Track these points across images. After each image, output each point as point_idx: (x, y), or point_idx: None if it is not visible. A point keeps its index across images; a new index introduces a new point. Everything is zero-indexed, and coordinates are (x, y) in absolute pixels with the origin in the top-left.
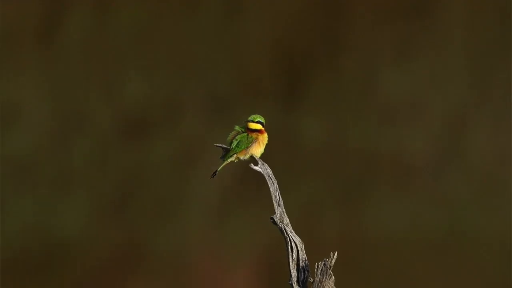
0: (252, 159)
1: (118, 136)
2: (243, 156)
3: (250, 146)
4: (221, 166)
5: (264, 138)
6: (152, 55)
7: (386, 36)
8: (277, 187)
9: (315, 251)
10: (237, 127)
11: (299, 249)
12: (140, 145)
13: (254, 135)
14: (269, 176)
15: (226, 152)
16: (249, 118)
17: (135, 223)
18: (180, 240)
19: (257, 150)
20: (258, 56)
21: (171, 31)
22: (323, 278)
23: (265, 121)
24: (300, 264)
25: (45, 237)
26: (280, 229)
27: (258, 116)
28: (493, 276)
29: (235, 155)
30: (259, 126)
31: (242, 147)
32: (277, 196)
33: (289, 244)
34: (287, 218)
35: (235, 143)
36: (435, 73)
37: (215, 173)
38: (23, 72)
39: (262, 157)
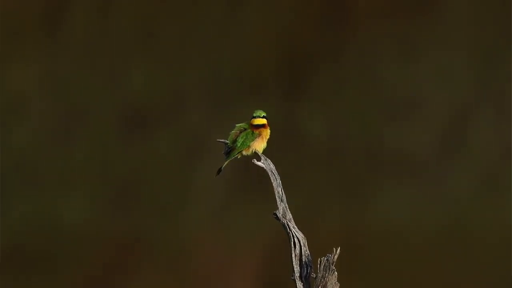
0: (255, 155)
1: (121, 129)
2: (247, 152)
3: (254, 141)
4: (225, 164)
5: (267, 133)
6: (155, 49)
7: (389, 30)
8: (280, 182)
9: (318, 246)
10: (238, 125)
11: (302, 244)
12: (143, 138)
13: (258, 131)
14: (272, 171)
15: (229, 148)
16: (254, 114)
17: (138, 217)
18: (183, 234)
19: (260, 145)
20: (260, 49)
21: (174, 24)
22: (326, 273)
23: (267, 114)
24: (303, 260)
25: (49, 231)
26: (283, 224)
27: (262, 111)
28: (495, 270)
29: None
30: (264, 121)
31: (248, 144)
32: (280, 192)
33: (292, 240)
34: (290, 214)
35: (240, 141)
36: (438, 67)
37: (220, 170)
38: (26, 65)
39: (265, 152)
